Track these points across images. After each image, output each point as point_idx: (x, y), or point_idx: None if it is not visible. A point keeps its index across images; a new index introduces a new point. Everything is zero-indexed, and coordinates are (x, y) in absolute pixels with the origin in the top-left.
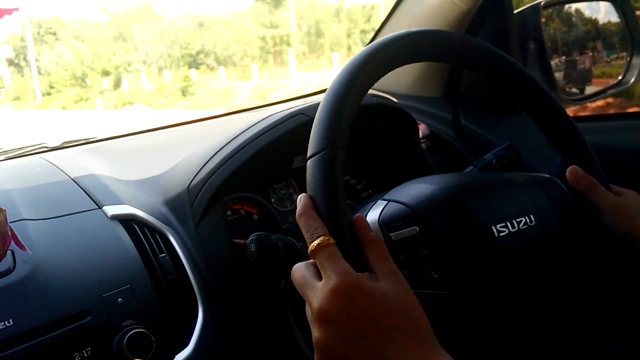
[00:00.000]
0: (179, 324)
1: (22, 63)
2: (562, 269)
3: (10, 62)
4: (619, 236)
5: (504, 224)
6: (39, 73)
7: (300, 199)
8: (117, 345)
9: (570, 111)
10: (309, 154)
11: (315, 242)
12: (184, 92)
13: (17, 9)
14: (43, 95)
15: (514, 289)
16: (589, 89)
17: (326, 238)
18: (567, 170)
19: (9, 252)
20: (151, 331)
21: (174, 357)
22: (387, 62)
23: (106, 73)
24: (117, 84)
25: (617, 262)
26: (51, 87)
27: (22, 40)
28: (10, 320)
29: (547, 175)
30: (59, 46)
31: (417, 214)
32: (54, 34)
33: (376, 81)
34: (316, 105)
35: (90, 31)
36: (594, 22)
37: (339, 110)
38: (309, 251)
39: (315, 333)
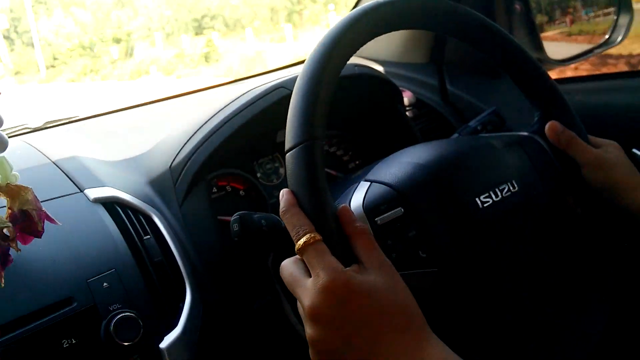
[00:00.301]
0: (166, 306)
1: (13, 35)
2: (549, 228)
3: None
4: (600, 189)
5: (487, 194)
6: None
7: (283, 195)
8: (104, 330)
9: (557, 72)
10: (287, 147)
11: (302, 240)
12: (207, 59)
13: None
14: (47, 68)
15: (502, 257)
16: (576, 49)
17: (312, 235)
18: (546, 126)
19: None
20: (138, 314)
21: (162, 339)
22: (359, 36)
23: (117, 40)
24: (128, 53)
25: (600, 215)
26: (55, 59)
27: (12, 11)
28: None
29: (526, 134)
30: (58, 14)
31: (400, 194)
32: (44, 2)
33: (351, 56)
34: (296, 78)
35: None
36: None
37: (313, 98)
38: (296, 249)
39: (309, 330)
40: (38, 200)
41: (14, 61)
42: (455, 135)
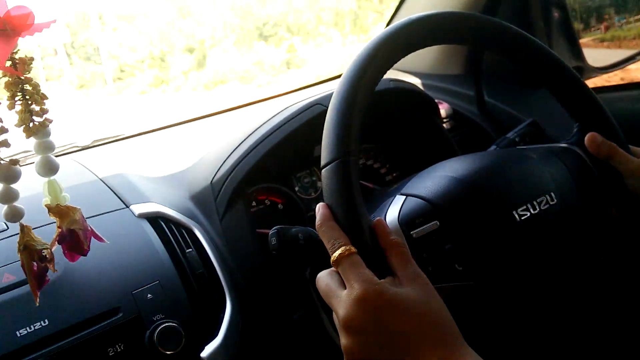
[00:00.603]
0: (207, 317)
1: (70, 50)
2: (588, 241)
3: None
4: None
5: (524, 207)
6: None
7: (319, 209)
8: (148, 340)
9: (600, 80)
10: (322, 163)
11: (337, 253)
12: (288, 65)
13: (54, 21)
14: (114, 80)
15: (540, 271)
16: (617, 56)
17: (347, 247)
18: (586, 137)
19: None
20: (181, 325)
21: (203, 349)
22: (394, 53)
23: (190, 50)
24: (200, 63)
25: None
26: (122, 71)
27: (68, 26)
28: (46, 320)
29: (565, 145)
30: (121, 26)
31: (436, 208)
32: (100, 18)
33: (385, 72)
34: (331, 95)
35: (150, 8)
36: None
37: (347, 115)
38: (331, 261)
39: (343, 340)
40: (85, 220)
41: (77, 75)
42: (493, 147)
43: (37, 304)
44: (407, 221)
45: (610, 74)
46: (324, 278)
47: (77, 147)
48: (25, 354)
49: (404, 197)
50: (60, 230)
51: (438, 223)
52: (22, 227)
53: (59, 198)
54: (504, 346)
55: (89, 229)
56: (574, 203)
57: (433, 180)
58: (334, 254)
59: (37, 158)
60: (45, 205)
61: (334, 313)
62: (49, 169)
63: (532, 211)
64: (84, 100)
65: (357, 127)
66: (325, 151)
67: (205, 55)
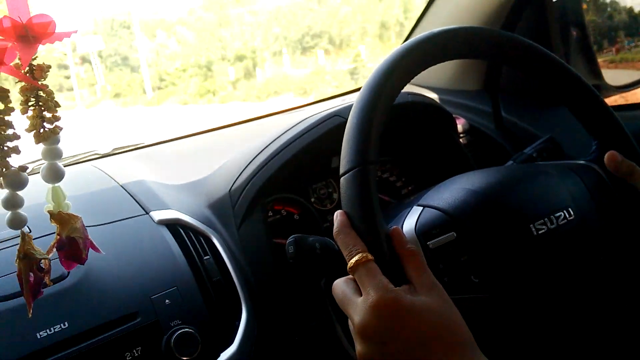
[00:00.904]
0: (223, 324)
1: (102, 59)
2: (605, 258)
3: (84, 59)
4: None
5: (542, 221)
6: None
7: (337, 216)
8: (165, 345)
9: (617, 98)
10: (341, 171)
11: (354, 259)
12: (352, 74)
13: (75, 32)
14: (153, 89)
15: (556, 286)
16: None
17: (364, 255)
18: (605, 156)
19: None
20: (197, 331)
21: (219, 356)
22: (414, 66)
23: (240, 58)
24: (249, 72)
25: None
26: (161, 80)
27: (95, 34)
28: (66, 323)
29: (583, 162)
30: (160, 35)
31: (453, 219)
32: (128, 27)
33: (405, 84)
34: (350, 106)
35: (192, 17)
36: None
37: (367, 124)
38: (348, 268)
39: (358, 347)
40: (85, 229)
41: (111, 83)
42: (510, 162)
43: (30, 316)
44: (423, 231)
45: (628, 93)
46: (340, 285)
47: (98, 154)
48: (44, 355)
49: (421, 208)
50: (59, 237)
51: (455, 234)
52: (23, 235)
53: (62, 205)
54: (519, 358)
55: (89, 238)
56: (591, 220)
57: (451, 192)
58: (351, 261)
59: (44, 164)
60: (48, 212)
61: (349, 320)
62: (55, 175)
63: (549, 226)
64: (121, 109)
65: (376, 137)
66: (344, 159)
67: (256, 64)
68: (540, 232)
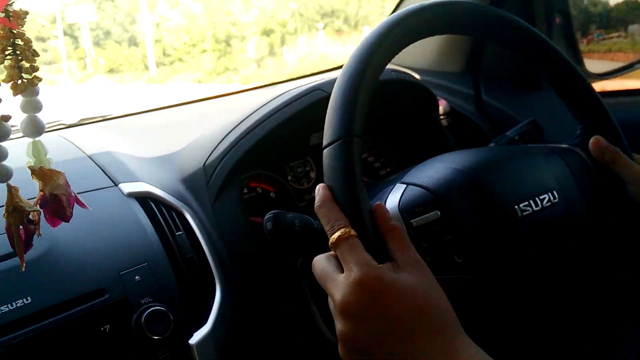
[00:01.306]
0: (196, 302)
1: (101, 34)
2: (587, 242)
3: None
4: None
5: (527, 203)
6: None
7: (319, 190)
8: (135, 323)
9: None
10: (324, 143)
11: (336, 234)
12: None
13: None
14: (157, 66)
15: (539, 268)
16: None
17: (347, 230)
18: (590, 141)
19: None
20: (169, 309)
21: (192, 335)
22: (404, 38)
23: (267, 33)
24: (273, 49)
25: None
26: (166, 56)
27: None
28: (29, 298)
29: (567, 145)
30: (162, 6)
31: (437, 197)
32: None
33: (393, 57)
34: (333, 81)
35: None
36: None
37: (354, 95)
38: (329, 243)
39: (339, 326)
40: (69, 185)
41: (105, 57)
42: (492, 144)
43: (23, 269)
44: (407, 209)
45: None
46: (321, 261)
47: (64, 124)
48: (5, 332)
49: (405, 185)
50: (42, 193)
51: (439, 213)
52: (10, 187)
53: (43, 160)
54: (502, 339)
55: (73, 194)
56: (575, 203)
57: (435, 170)
58: (333, 236)
59: (23, 117)
60: (29, 167)
61: (329, 298)
62: (35, 128)
63: (534, 207)
64: (118, 85)
65: (363, 109)
66: (328, 131)
67: (285, 41)
68: (524, 213)
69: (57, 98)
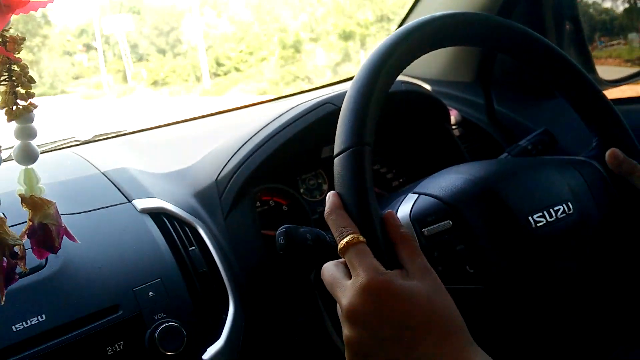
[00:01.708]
0: (210, 317)
1: (144, 44)
2: (602, 254)
3: (89, 46)
4: None
5: (541, 214)
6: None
7: (329, 197)
8: (149, 339)
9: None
10: (335, 152)
11: (345, 240)
12: None
13: (51, 1)
14: (211, 76)
15: (552, 280)
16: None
17: (356, 236)
18: (607, 153)
19: None
20: (182, 325)
21: (205, 351)
22: (413, 50)
23: (346, 36)
24: (347, 55)
25: None
26: (219, 66)
27: (121, 12)
28: (43, 316)
29: (583, 158)
30: (209, 14)
31: (449, 207)
32: (138, 12)
33: (404, 69)
34: (343, 94)
35: None
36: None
37: (364, 105)
38: (338, 249)
39: (346, 331)
40: (59, 215)
41: (147, 69)
42: (505, 154)
43: (2, 303)
44: (418, 218)
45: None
46: (330, 268)
47: (78, 141)
48: (20, 350)
49: (417, 195)
50: (31, 223)
51: (451, 222)
52: None
53: (34, 189)
54: (512, 350)
55: (63, 225)
56: (591, 215)
57: (447, 180)
58: (342, 242)
59: (16, 144)
60: (19, 195)
61: (337, 304)
62: (28, 156)
63: (548, 218)
64: (163, 99)
65: (373, 119)
66: (339, 139)
67: (365, 44)
68: (538, 224)
69: (96, 113)
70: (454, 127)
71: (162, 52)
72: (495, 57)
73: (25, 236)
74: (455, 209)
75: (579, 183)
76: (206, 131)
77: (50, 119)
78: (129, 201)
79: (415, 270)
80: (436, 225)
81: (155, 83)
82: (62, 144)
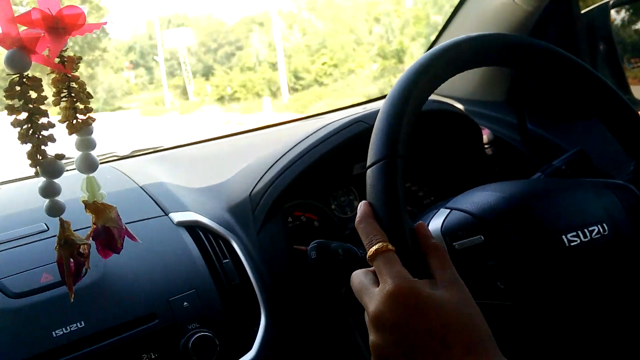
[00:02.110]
0: (242, 329)
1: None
2: (637, 276)
3: (136, 63)
4: None
5: (575, 233)
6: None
7: (360, 206)
8: (182, 348)
9: None
10: (368, 163)
11: (374, 248)
12: None
13: (105, 23)
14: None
15: (584, 300)
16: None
17: (385, 244)
18: None
19: None
20: (215, 335)
21: None
22: (447, 69)
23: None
24: None
25: None
26: (297, 79)
27: (151, 38)
28: (82, 322)
29: (620, 181)
30: (279, 24)
31: (481, 222)
32: (194, 25)
33: (437, 87)
34: (375, 113)
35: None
36: None
37: (398, 117)
38: (367, 257)
39: (372, 337)
40: (120, 218)
41: (212, 84)
42: (538, 174)
43: (72, 300)
44: (450, 232)
45: None
46: (358, 275)
47: (117, 156)
48: (59, 354)
49: (449, 210)
50: (95, 226)
51: (482, 238)
52: (62, 222)
53: (96, 195)
54: None
55: (124, 227)
56: (626, 237)
57: (480, 197)
58: (371, 249)
59: (77, 155)
60: (82, 201)
61: (365, 311)
62: (89, 165)
63: (582, 238)
64: (235, 116)
65: (406, 133)
66: (372, 151)
67: None
68: (572, 244)
69: (161, 129)
70: (486, 146)
71: (227, 65)
72: (527, 77)
73: (90, 239)
74: (488, 224)
75: (615, 205)
76: (241, 147)
77: (113, 135)
78: (166, 214)
79: (444, 280)
80: (467, 239)
81: (221, 99)
82: (101, 159)
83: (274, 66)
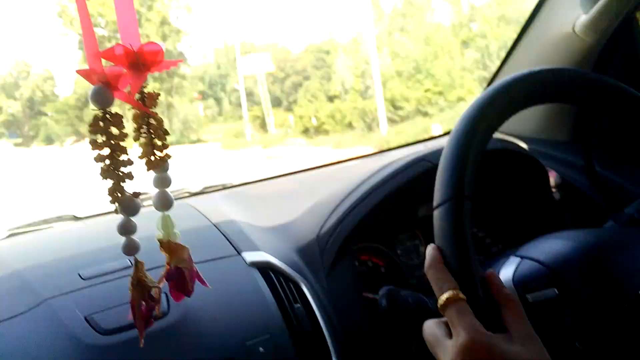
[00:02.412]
0: None
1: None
2: None
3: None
4: None
5: None
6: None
7: (429, 251)
8: None
9: None
10: (435, 204)
11: (445, 296)
12: None
13: (181, 61)
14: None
15: None
16: None
17: (456, 292)
18: None
19: (162, 295)
20: None
21: None
22: (511, 105)
23: None
24: None
25: None
26: (395, 108)
27: (219, 67)
28: None
29: None
30: (365, 47)
31: (555, 274)
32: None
33: (501, 125)
34: (439, 151)
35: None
36: None
37: (463, 156)
38: (438, 305)
39: None
40: (192, 260)
41: (295, 115)
42: (610, 222)
43: (142, 345)
44: (522, 283)
45: None
46: (431, 326)
47: (189, 192)
48: None
49: (519, 258)
50: (169, 267)
51: (556, 291)
52: (137, 262)
53: (171, 234)
54: None
55: (195, 270)
56: None
57: (552, 245)
58: (442, 297)
59: (154, 192)
60: (158, 239)
61: None
62: (165, 203)
63: None
64: (326, 150)
65: (472, 172)
66: (438, 191)
67: None
68: None
69: (246, 164)
70: (553, 189)
71: (314, 95)
72: (594, 115)
73: (164, 280)
74: (561, 276)
75: None
76: (306, 185)
77: (196, 169)
78: (239, 253)
79: (520, 335)
80: (541, 292)
81: (306, 131)
82: (175, 195)
83: (362, 94)
